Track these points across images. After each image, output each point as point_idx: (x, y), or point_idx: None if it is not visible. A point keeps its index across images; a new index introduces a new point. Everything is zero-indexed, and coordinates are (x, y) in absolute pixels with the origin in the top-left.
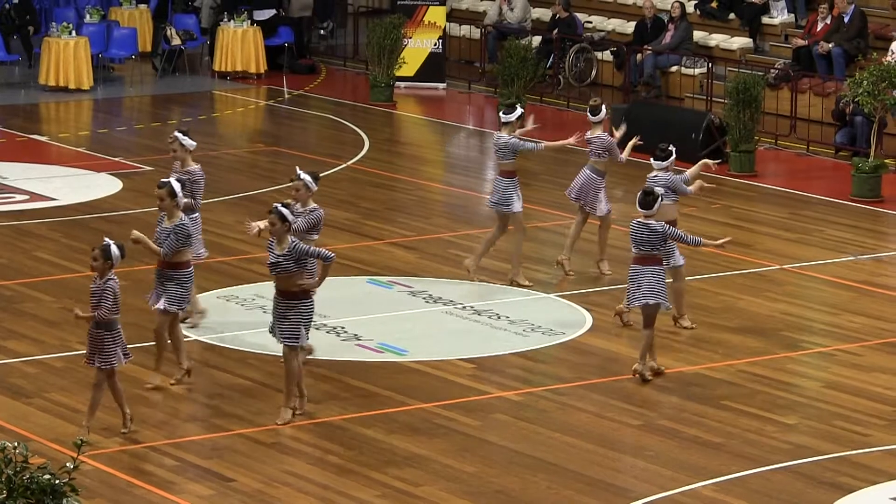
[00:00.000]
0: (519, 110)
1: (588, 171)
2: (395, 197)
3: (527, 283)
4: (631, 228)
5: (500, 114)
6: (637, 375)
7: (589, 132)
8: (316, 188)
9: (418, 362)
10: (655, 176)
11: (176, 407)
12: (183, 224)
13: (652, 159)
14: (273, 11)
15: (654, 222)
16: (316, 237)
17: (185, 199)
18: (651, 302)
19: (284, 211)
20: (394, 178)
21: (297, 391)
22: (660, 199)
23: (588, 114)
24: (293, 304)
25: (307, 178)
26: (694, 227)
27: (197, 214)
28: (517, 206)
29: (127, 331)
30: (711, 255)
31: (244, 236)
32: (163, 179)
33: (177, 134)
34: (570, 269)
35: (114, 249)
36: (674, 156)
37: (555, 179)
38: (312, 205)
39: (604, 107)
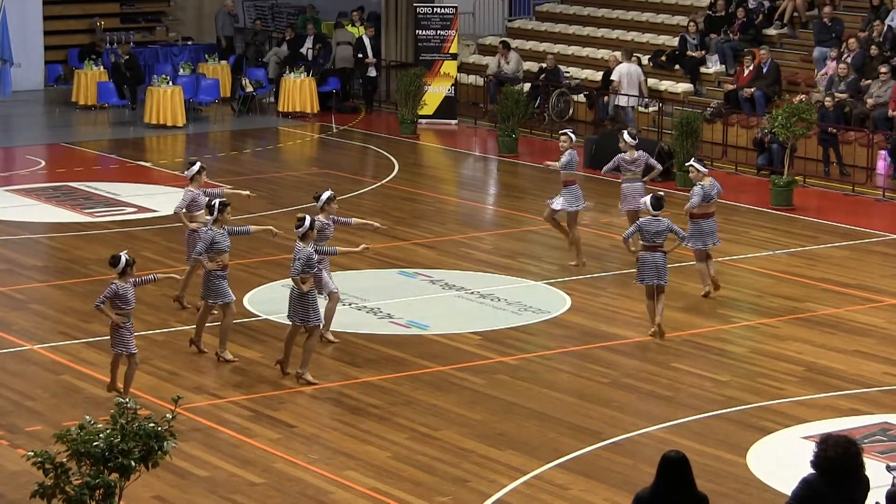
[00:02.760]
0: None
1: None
2: (419, 208)
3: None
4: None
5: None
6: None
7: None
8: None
9: (437, 335)
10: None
11: (248, 369)
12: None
13: (701, 167)
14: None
15: (662, 219)
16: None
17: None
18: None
19: None
20: (417, 193)
21: None
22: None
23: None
24: None
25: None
26: None
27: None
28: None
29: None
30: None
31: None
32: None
33: None
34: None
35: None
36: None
37: (540, 194)
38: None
39: (573, 135)
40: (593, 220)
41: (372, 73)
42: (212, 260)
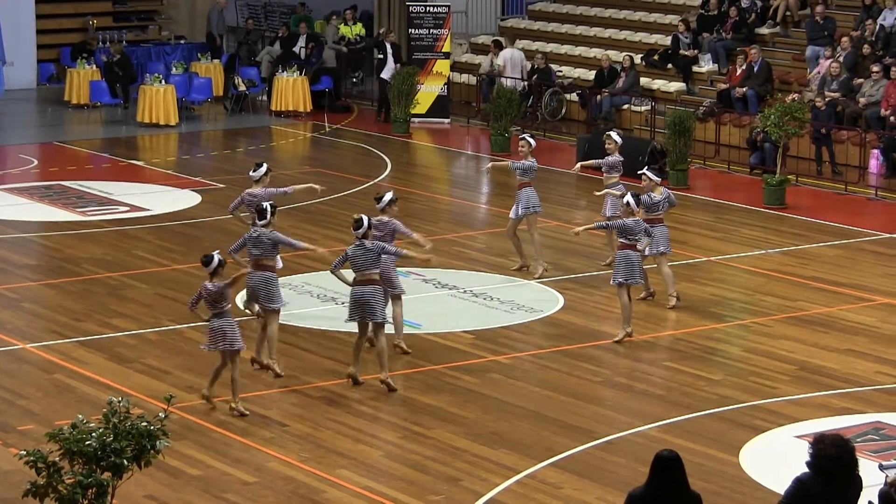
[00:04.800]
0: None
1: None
2: (412, 206)
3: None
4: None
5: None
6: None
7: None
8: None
9: (430, 334)
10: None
11: (242, 369)
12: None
13: (654, 176)
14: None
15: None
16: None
17: None
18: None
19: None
20: (410, 192)
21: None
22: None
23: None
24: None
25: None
26: None
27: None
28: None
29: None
30: None
31: (298, 238)
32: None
33: None
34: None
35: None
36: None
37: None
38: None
39: (531, 140)
40: (586, 220)
41: (386, 74)
42: (243, 256)
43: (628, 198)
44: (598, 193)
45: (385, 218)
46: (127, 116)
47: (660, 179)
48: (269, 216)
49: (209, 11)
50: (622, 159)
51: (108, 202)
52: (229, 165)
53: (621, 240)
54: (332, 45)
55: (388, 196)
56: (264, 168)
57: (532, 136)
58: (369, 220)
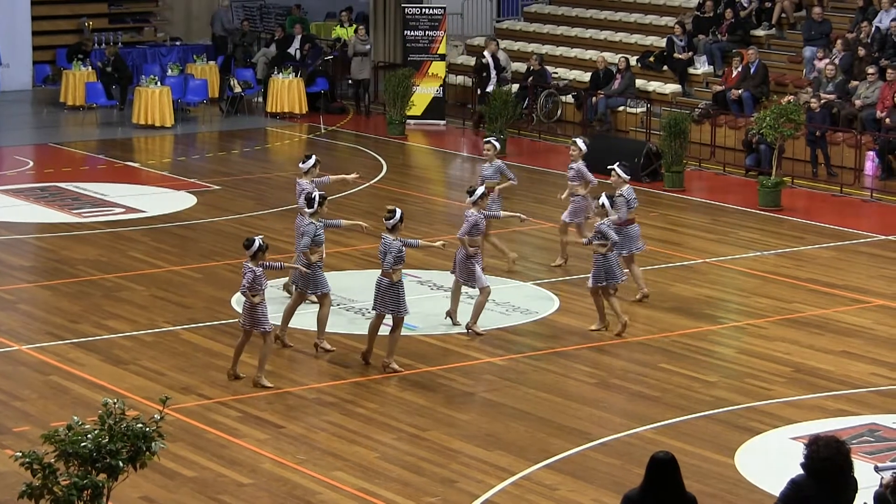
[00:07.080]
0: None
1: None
2: (407, 208)
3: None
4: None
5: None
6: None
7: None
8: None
9: (425, 335)
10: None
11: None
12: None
13: (623, 173)
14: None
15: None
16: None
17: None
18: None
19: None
20: (406, 194)
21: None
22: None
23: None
24: None
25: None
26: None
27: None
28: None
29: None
30: (651, 251)
31: (293, 239)
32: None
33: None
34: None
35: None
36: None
37: (527, 194)
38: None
39: (496, 142)
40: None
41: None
42: (312, 252)
43: (603, 199)
44: (561, 197)
45: (475, 212)
46: (122, 118)
47: (628, 177)
48: (316, 205)
49: (215, 13)
50: (585, 165)
51: (104, 204)
52: (225, 167)
53: (602, 242)
54: (354, 52)
55: (481, 190)
56: (313, 160)
57: (497, 139)
58: (402, 213)
